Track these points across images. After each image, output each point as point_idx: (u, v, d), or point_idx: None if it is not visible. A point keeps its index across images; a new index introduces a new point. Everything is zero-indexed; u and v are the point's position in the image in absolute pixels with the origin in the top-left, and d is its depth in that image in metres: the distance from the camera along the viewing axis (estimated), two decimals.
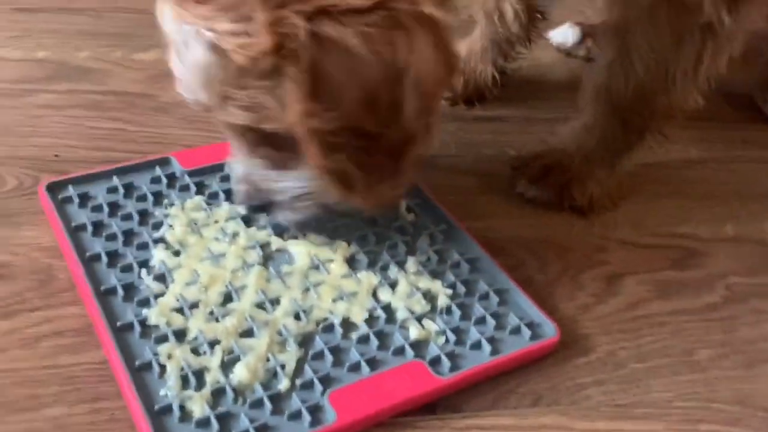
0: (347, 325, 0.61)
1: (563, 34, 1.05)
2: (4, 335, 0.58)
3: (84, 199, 0.67)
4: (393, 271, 0.65)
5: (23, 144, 0.76)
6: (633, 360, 0.63)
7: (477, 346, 0.60)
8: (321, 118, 0.52)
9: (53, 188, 0.68)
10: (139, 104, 0.83)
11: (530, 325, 0.62)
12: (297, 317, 0.60)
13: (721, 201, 0.82)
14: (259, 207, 0.64)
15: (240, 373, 0.55)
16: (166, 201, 0.68)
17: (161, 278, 0.62)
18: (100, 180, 0.69)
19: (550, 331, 0.62)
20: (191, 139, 0.78)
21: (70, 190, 0.68)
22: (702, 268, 0.74)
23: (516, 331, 0.62)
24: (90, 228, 0.65)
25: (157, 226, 0.66)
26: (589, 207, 0.77)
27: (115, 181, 0.69)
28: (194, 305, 0.60)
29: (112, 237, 0.64)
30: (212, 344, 0.57)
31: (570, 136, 0.79)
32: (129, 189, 0.69)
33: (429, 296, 0.64)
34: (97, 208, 0.67)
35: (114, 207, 0.67)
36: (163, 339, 0.57)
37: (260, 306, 0.60)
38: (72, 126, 0.79)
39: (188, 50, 0.53)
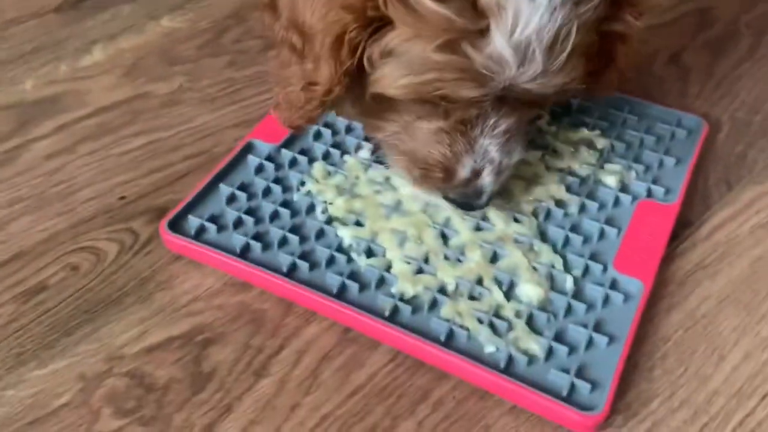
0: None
1: None
2: (278, 393, 0.49)
3: (211, 220, 0.56)
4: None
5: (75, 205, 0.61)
6: None
7: None
8: None
9: (173, 226, 0.56)
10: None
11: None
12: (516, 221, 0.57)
13: None
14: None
15: (528, 291, 0.52)
16: (294, 183, 0.60)
17: (371, 254, 0.55)
18: (207, 196, 0.58)
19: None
20: (224, 119, 0.69)
21: (192, 220, 0.56)
22: None
23: None
24: (248, 240, 0.55)
25: (312, 209, 0.58)
26: None
27: (224, 189, 0.59)
28: (425, 260, 0.54)
29: (264, 242, 0.55)
30: (480, 282, 0.53)
31: None
32: (245, 190, 0.59)
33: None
34: (224, 222, 0.57)
35: (248, 210, 0.57)
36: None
37: (477, 228, 0.56)
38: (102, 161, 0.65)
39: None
